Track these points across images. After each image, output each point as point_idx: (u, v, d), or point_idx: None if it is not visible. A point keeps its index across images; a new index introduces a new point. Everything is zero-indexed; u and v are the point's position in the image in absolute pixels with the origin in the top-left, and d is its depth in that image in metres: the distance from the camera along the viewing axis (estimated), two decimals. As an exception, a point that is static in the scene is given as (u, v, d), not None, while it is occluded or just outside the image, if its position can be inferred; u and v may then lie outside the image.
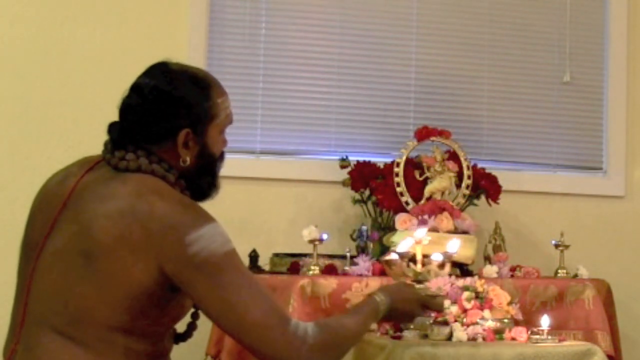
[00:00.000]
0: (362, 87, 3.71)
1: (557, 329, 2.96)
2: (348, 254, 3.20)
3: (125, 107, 1.99)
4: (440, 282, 2.80)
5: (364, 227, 3.38)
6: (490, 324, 2.74)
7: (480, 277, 3.06)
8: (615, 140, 3.90)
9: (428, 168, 3.40)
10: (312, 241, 3.08)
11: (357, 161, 3.48)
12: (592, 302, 3.14)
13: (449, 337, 2.67)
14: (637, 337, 3.76)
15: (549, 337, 2.76)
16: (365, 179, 3.43)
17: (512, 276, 3.21)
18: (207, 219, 1.89)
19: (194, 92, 1.98)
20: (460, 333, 2.67)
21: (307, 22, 3.69)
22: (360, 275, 3.04)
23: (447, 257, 2.56)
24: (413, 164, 3.43)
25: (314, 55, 3.68)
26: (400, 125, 3.72)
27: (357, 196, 3.46)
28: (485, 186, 3.48)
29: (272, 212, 3.57)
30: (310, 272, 3.04)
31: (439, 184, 3.37)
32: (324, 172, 3.59)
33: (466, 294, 2.76)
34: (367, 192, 3.46)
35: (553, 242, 3.39)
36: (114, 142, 1.98)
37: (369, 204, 3.46)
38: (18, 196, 3.33)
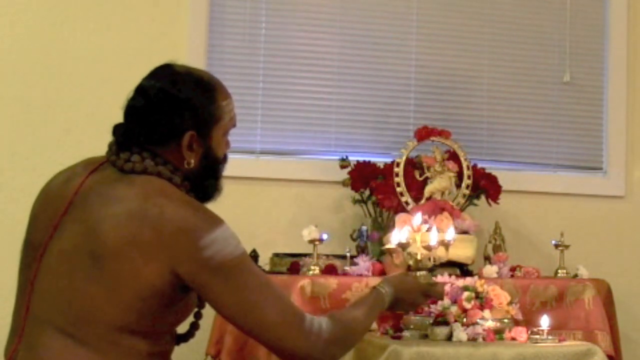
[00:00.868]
0: (362, 87, 3.71)
1: (557, 329, 2.96)
2: (348, 254, 3.20)
3: (130, 109, 2.00)
4: (440, 282, 2.81)
5: (364, 227, 3.38)
6: (490, 324, 2.74)
7: (480, 277, 3.06)
8: (615, 140, 3.90)
9: (428, 168, 3.40)
10: (312, 241, 3.08)
11: (357, 161, 3.48)
12: (592, 302, 3.14)
13: (449, 337, 2.68)
14: (637, 337, 3.76)
15: (549, 337, 2.76)
16: (365, 179, 3.43)
17: (512, 276, 3.21)
18: (218, 221, 1.91)
19: (199, 94, 1.99)
20: (460, 333, 2.67)
21: (307, 22, 3.69)
22: (360, 275, 3.04)
23: (445, 244, 2.59)
24: (413, 164, 3.43)
25: (314, 55, 3.68)
26: (400, 125, 3.72)
27: (357, 196, 3.46)
28: (485, 186, 3.48)
29: (272, 212, 3.57)
30: (310, 272, 3.04)
31: (439, 184, 3.37)
32: (324, 172, 3.59)
33: (466, 294, 2.76)
34: (367, 192, 3.46)
35: (553, 242, 3.39)
36: (118, 143, 1.99)
37: (369, 204, 3.46)
38: (18, 196, 3.33)
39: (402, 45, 3.75)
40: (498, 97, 3.83)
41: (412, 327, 2.80)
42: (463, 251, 3.20)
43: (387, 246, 2.63)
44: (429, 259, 2.54)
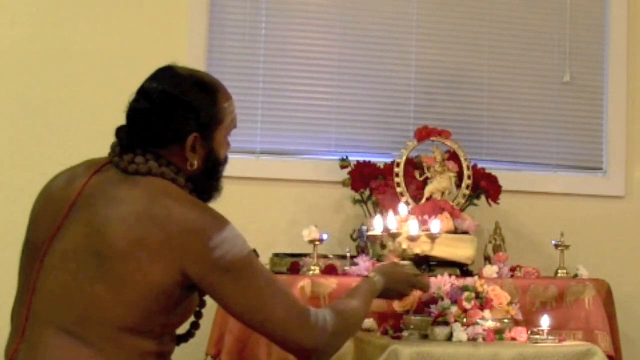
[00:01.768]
0: (362, 87, 3.71)
1: (557, 329, 2.96)
2: (348, 254, 3.20)
3: (133, 111, 2.01)
4: (440, 282, 2.81)
5: (364, 227, 3.38)
6: (490, 324, 2.74)
7: (480, 277, 3.06)
8: (615, 140, 3.89)
9: (428, 168, 3.40)
10: (312, 241, 3.08)
11: (357, 161, 3.48)
12: (592, 302, 3.14)
13: (449, 337, 2.68)
14: (637, 337, 3.76)
15: (549, 337, 2.76)
16: (365, 179, 3.43)
17: (512, 276, 3.21)
18: (225, 221, 1.95)
19: (201, 97, 2.01)
20: (460, 333, 2.67)
21: (307, 22, 3.69)
22: (360, 275, 3.04)
23: (432, 237, 2.63)
24: (413, 164, 3.42)
25: (314, 55, 3.68)
26: (400, 125, 3.72)
27: (357, 196, 3.46)
28: (485, 186, 3.47)
29: (272, 212, 3.56)
30: (310, 272, 3.04)
31: (439, 184, 3.37)
32: (324, 172, 3.59)
33: (466, 294, 2.76)
34: (367, 192, 3.46)
35: (553, 242, 3.39)
36: (121, 145, 2.00)
37: (369, 204, 3.46)
38: (18, 196, 3.33)
39: (402, 45, 3.75)
40: (498, 97, 3.83)
41: (412, 327, 2.80)
42: (463, 251, 3.20)
43: (372, 233, 2.69)
44: (414, 250, 2.60)
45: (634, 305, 3.77)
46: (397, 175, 3.37)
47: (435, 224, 2.74)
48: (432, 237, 2.65)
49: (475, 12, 3.82)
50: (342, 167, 3.50)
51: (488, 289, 2.84)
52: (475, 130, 3.79)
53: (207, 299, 2.11)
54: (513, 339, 2.76)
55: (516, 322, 2.85)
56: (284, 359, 2.80)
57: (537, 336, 2.77)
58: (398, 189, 3.36)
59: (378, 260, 3.19)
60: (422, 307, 2.82)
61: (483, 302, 2.78)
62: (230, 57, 3.62)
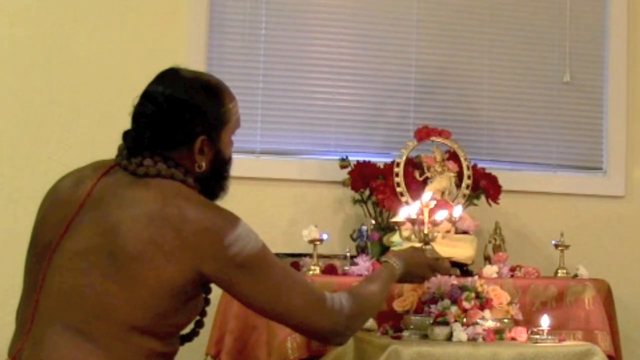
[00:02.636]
0: (362, 87, 3.71)
1: (557, 329, 2.96)
2: (348, 254, 3.20)
3: (139, 115, 2.03)
4: (440, 282, 2.81)
5: (364, 227, 3.38)
6: (490, 324, 2.74)
7: (480, 277, 3.06)
8: (615, 140, 3.90)
9: (428, 168, 3.40)
10: (312, 241, 3.08)
11: (357, 161, 3.48)
12: (592, 302, 3.14)
13: (449, 337, 2.68)
14: (637, 337, 3.76)
15: (549, 337, 2.76)
16: (365, 179, 3.43)
17: (512, 276, 3.21)
18: (237, 218, 1.99)
19: (208, 99, 2.04)
20: (460, 333, 2.67)
21: (307, 22, 3.69)
22: (360, 275, 3.04)
23: (453, 221, 2.67)
24: (413, 164, 3.42)
25: (314, 55, 3.68)
26: (400, 125, 3.72)
27: (357, 196, 3.46)
28: (485, 186, 3.47)
29: (272, 212, 3.56)
30: (310, 272, 3.04)
31: (439, 184, 3.37)
32: (324, 172, 3.59)
33: (466, 294, 2.76)
34: (367, 192, 3.46)
35: (553, 242, 3.39)
36: (129, 149, 2.01)
37: (369, 204, 3.46)
38: (18, 196, 3.33)
39: (402, 45, 3.75)
40: (498, 97, 3.83)
41: (412, 327, 2.80)
42: (463, 251, 3.20)
43: (395, 219, 2.73)
44: (435, 234, 2.65)
45: (634, 305, 3.77)
46: (397, 175, 3.37)
47: (458, 208, 2.82)
48: (454, 221, 2.73)
49: (475, 12, 3.82)
50: (342, 167, 3.50)
51: (488, 289, 2.84)
52: (475, 130, 3.79)
53: (210, 297, 2.13)
54: (513, 339, 2.77)
55: (516, 322, 2.86)
56: (284, 359, 2.81)
57: (537, 336, 2.77)
58: (398, 189, 3.36)
59: (378, 260, 3.19)
60: (422, 307, 2.82)
61: (483, 302, 2.79)
62: (230, 57, 3.62)
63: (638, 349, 3.74)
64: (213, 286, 2.05)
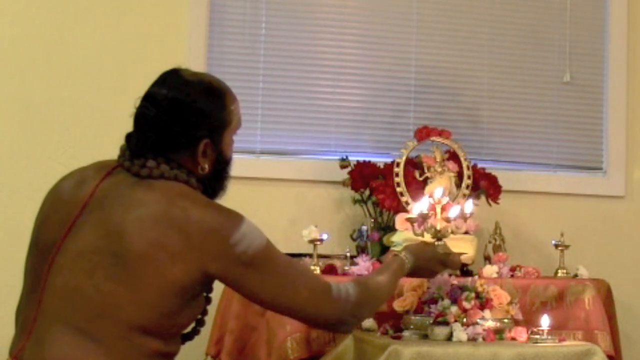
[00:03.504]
0: (362, 87, 3.71)
1: (557, 329, 2.96)
2: (348, 254, 3.20)
3: (142, 118, 2.03)
4: (440, 282, 2.81)
5: (364, 227, 3.38)
6: (490, 324, 2.74)
7: (480, 277, 3.06)
8: (615, 140, 3.89)
9: (428, 168, 3.40)
10: (312, 241, 3.08)
11: (357, 161, 3.48)
12: (592, 302, 3.14)
13: (449, 337, 2.68)
14: (637, 337, 3.76)
15: (549, 337, 2.76)
16: (365, 179, 3.43)
17: (512, 276, 3.21)
18: (241, 216, 2.00)
19: (211, 102, 2.05)
20: (460, 333, 2.67)
21: (307, 22, 3.69)
22: (360, 275, 3.04)
23: (464, 216, 2.68)
24: (413, 164, 3.42)
25: (314, 55, 3.68)
26: (400, 125, 3.72)
27: (357, 196, 3.46)
28: (485, 186, 3.47)
29: (272, 212, 3.56)
30: (310, 272, 3.03)
31: (439, 184, 3.36)
32: (324, 172, 3.59)
33: (466, 294, 2.76)
34: (367, 192, 3.45)
35: (553, 242, 3.39)
36: (132, 151, 2.01)
37: (369, 204, 3.46)
38: (18, 196, 3.33)
39: (402, 45, 3.75)
40: (498, 97, 3.83)
41: (412, 327, 2.80)
42: (463, 251, 3.19)
43: (409, 216, 2.74)
44: (447, 229, 2.67)
45: (634, 305, 3.77)
46: (397, 175, 3.37)
47: (469, 204, 2.83)
48: (465, 217, 2.77)
49: (475, 12, 3.82)
50: (342, 167, 3.50)
51: (488, 289, 2.84)
52: (475, 130, 3.79)
53: (212, 296, 2.13)
54: (513, 339, 2.77)
55: (516, 322, 2.86)
56: (284, 359, 2.81)
57: (537, 336, 2.77)
58: (398, 189, 3.35)
59: (378, 260, 3.19)
60: (422, 307, 2.82)
61: (483, 302, 2.79)
62: (230, 57, 3.62)
63: (638, 349, 3.74)
64: (213, 285, 2.06)
